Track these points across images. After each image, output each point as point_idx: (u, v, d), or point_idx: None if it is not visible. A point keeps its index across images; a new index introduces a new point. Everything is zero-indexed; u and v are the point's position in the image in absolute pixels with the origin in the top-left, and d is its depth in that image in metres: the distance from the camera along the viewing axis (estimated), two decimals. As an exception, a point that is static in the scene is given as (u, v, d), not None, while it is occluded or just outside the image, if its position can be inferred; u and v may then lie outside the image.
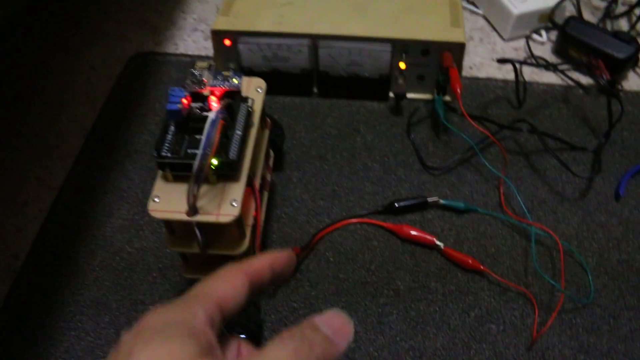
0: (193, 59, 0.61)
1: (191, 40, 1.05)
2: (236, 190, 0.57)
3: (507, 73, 0.98)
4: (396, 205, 0.79)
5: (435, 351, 0.69)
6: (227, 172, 0.57)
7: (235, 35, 0.86)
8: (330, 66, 0.88)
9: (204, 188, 0.57)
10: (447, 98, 0.91)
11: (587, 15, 1.04)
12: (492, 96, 0.94)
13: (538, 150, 0.86)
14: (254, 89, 0.66)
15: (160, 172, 0.58)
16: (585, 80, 0.96)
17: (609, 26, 1.03)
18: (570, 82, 0.96)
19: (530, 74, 0.97)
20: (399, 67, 0.88)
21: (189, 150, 0.56)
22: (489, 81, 0.96)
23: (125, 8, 1.11)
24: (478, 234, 0.78)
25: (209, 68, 0.59)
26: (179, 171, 0.57)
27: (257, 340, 0.67)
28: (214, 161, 0.55)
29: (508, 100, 0.93)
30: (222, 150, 0.56)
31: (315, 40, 0.86)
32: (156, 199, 0.57)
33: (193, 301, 0.36)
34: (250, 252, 0.65)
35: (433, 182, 0.83)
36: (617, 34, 0.93)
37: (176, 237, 0.62)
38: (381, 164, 0.85)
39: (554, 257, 0.76)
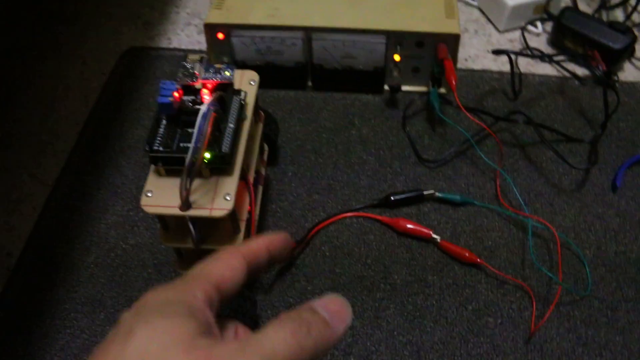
0: (186, 54, 0.61)
1: (184, 34, 1.04)
2: (230, 184, 0.57)
3: (502, 65, 0.97)
4: (392, 198, 0.79)
5: (432, 345, 0.69)
6: (220, 166, 0.57)
7: (228, 28, 0.86)
8: (324, 59, 0.88)
9: (197, 182, 0.56)
10: (443, 90, 0.90)
11: (583, 6, 1.03)
12: (487, 88, 0.93)
13: (534, 142, 0.86)
14: (246, 81, 0.66)
15: (152, 167, 0.58)
16: (581, 71, 0.96)
17: (604, 17, 1.03)
18: (566, 74, 0.95)
19: (525, 65, 0.97)
20: (393, 59, 0.88)
21: (181, 144, 0.56)
22: (484, 73, 0.96)
23: (118, 2, 1.10)
24: (475, 227, 0.78)
25: (201, 61, 0.59)
26: (172, 165, 0.56)
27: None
28: (207, 155, 0.55)
29: (504, 92, 0.92)
30: (214, 144, 0.55)
31: (309, 32, 0.85)
32: (149, 194, 0.56)
33: (192, 282, 0.36)
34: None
35: (429, 174, 0.83)
36: (613, 25, 0.93)
37: (170, 232, 0.61)
38: (376, 157, 0.85)
39: (551, 250, 0.76)
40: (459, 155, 0.85)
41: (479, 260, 0.74)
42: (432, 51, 0.87)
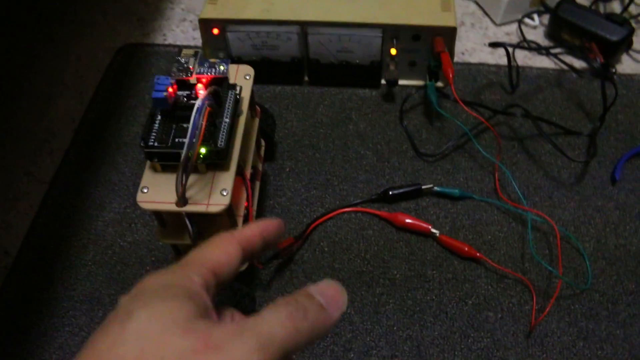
0: (181, 49, 0.60)
1: (179, 30, 1.04)
2: (226, 180, 0.56)
3: (499, 58, 0.97)
4: (390, 193, 0.79)
5: (432, 340, 0.69)
6: (216, 161, 0.56)
7: (223, 23, 0.85)
8: (320, 53, 0.87)
9: (193, 178, 0.56)
10: (440, 84, 0.90)
11: (580, -2, 1.03)
12: (484, 81, 0.93)
13: (532, 135, 0.86)
14: (242, 76, 0.65)
15: (148, 163, 0.57)
16: (578, 64, 0.96)
17: (601, 9, 1.02)
18: (563, 66, 0.95)
19: (523, 58, 0.97)
20: (390, 53, 0.87)
21: (176, 140, 0.56)
22: (481, 66, 0.95)
23: None
24: (474, 221, 0.78)
25: (195, 55, 0.59)
26: (167, 161, 0.56)
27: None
28: (202, 150, 0.54)
29: (501, 86, 0.92)
30: (210, 139, 0.55)
31: (304, 27, 0.85)
32: (145, 190, 0.56)
33: (189, 266, 0.37)
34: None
35: (427, 169, 0.83)
36: (610, 16, 0.93)
37: (167, 229, 0.61)
38: (374, 151, 0.85)
39: (551, 243, 0.75)
40: (457, 149, 0.85)
41: (478, 254, 0.73)
42: (429, 44, 0.86)
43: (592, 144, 0.83)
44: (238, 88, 0.61)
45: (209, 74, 0.58)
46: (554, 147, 0.81)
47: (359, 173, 0.82)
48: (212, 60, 0.60)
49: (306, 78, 0.93)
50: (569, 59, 0.96)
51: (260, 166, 0.74)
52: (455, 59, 0.93)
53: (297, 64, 0.90)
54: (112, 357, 0.31)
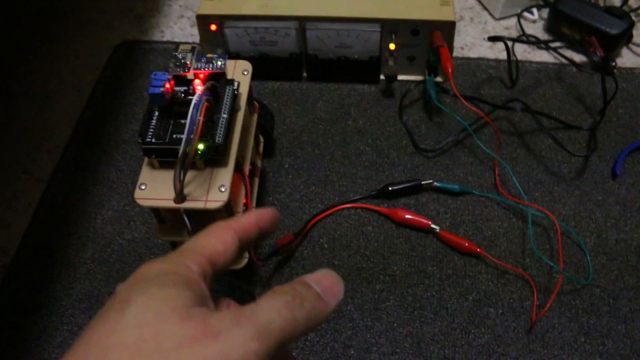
0: (178, 44, 0.60)
1: (177, 27, 1.03)
2: (224, 176, 0.56)
3: (499, 53, 0.96)
4: (390, 189, 0.78)
5: (433, 336, 0.68)
6: (215, 157, 0.56)
7: (221, 19, 0.85)
8: (318, 49, 0.87)
9: (191, 174, 0.56)
10: (439, 79, 0.90)
11: (579, -8, 1.03)
12: (484, 76, 0.93)
13: (532, 129, 0.85)
14: (239, 71, 0.65)
15: (146, 159, 0.57)
16: (578, 57, 0.95)
17: (601, 2, 1.01)
18: (563, 60, 0.95)
19: (522, 52, 0.96)
20: (388, 48, 0.87)
21: (174, 136, 0.55)
22: (480, 61, 0.95)
23: (110, -4, 1.10)
24: (474, 217, 0.77)
25: (192, 51, 0.58)
26: (165, 157, 0.56)
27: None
28: (200, 146, 0.54)
29: (501, 80, 0.92)
30: (208, 135, 0.55)
31: (302, 22, 0.85)
32: (143, 187, 0.56)
33: (186, 255, 0.37)
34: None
35: (427, 164, 0.82)
36: (610, 10, 0.92)
37: (166, 226, 0.61)
38: (373, 147, 0.84)
39: (552, 238, 0.75)
40: (456, 144, 0.84)
41: (478, 250, 0.73)
42: (428, 39, 0.86)
43: (592, 138, 0.83)
44: (236, 83, 0.61)
45: (206, 69, 0.58)
46: (554, 142, 0.81)
47: (358, 169, 0.82)
48: (209, 55, 0.59)
49: (305, 74, 0.92)
50: (569, 53, 0.96)
51: (259, 162, 0.74)
52: (455, 54, 0.93)
53: (295, 59, 0.89)
54: (110, 344, 0.31)
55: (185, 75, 0.57)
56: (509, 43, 0.88)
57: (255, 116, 0.71)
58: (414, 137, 0.85)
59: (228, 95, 0.59)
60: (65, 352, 0.31)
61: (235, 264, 0.64)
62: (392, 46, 0.86)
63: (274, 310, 0.34)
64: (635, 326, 0.68)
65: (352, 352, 0.67)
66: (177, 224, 0.59)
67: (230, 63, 0.65)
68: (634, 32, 0.94)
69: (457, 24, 0.84)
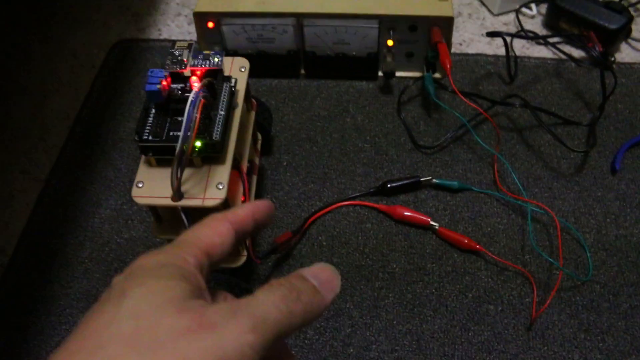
0: (175, 42, 0.60)
1: (175, 25, 1.03)
2: (222, 173, 0.56)
3: (497, 49, 0.96)
4: (389, 185, 0.78)
5: (433, 334, 0.68)
6: (212, 154, 0.56)
7: (218, 16, 0.85)
8: (316, 46, 0.87)
9: (189, 172, 0.56)
10: (437, 75, 0.90)
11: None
12: (482, 72, 0.92)
13: (531, 125, 0.85)
14: (237, 68, 0.65)
15: (143, 157, 0.57)
16: (577, 53, 0.95)
17: (599, -3, 1.02)
18: (562, 56, 0.94)
19: (521, 48, 0.96)
20: (386, 44, 0.87)
21: (171, 133, 0.55)
22: (479, 57, 0.95)
23: (107, -6, 1.10)
24: (473, 213, 0.77)
25: (189, 48, 0.58)
26: (162, 155, 0.56)
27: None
28: (197, 143, 0.54)
29: (499, 76, 0.91)
30: (205, 132, 0.54)
31: (300, 19, 0.84)
32: (140, 185, 0.56)
33: (182, 247, 0.37)
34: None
35: (425, 161, 0.82)
36: (609, 4, 0.92)
37: (163, 224, 0.61)
38: (372, 144, 0.84)
39: (551, 235, 0.75)
40: (455, 140, 0.84)
41: (478, 247, 0.73)
42: (426, 35, 0.86)
43: (591, 133, 0.83)
44: (233, 80, 0.60)
45: (203, 66, 0.58)
46: (553, 138, 0.80)
47: (356, 166, 0.82)
48: (206, 52, 0.59)
49: (302, 71, 0.92)
50: (568, 49, 0.95)
51: (257, 160, 0.73)
52: (453, 50, 0.93)
53: (293, 56, 0.89)
54: (106, 336, 0.31)
55: (182, 72, 0.57)
56: (508, 39, 0.88)
57: (253, 113, 0.71)
58: (413, 133, 0.84)
59: (225, 92, 0.58)
60: (61, 343, 0.31)
61: (233, 262, 0.64)
62: (390, 42, 0.86)
63: (270, 303, 0.34)
64: (636, 322, 0.68)
65: (352, 350, 0.67)
66: (175, 222, 0.59)
67: (228, 60, 0.65)
68: (633, 26, 0.94)
69: (455, 20, 0.84)
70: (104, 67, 0.96)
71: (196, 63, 0.58)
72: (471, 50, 0.97)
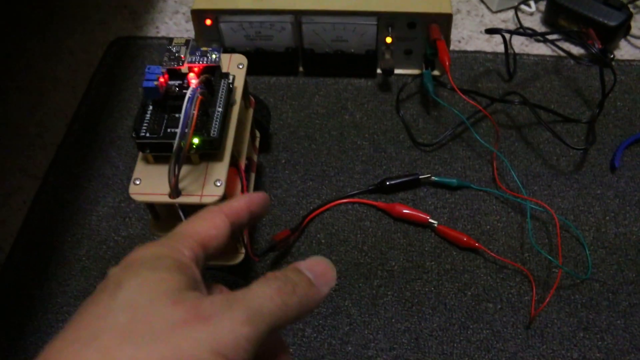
0: (172, 38, 0.60)
1: (172, 23, 1.03)
2: (220, 170, 0.56)
3: (496, 46, 0.96)
4: (387, 183, 0.78)
5: (431, 332, 0.68)
6: (210, 151, 0.56)
7: (216, 14, 0.84)
8: (315, 43, 0.87)
9: (186, 169, 0.55)
10: (436, 72, 0.89)
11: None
12: (481, 69, 0.92)
13: (531, 123, 0.85)
14: (235, 65, 0.65)
15: (140, 154, 0.57)
16: (576, 50, 0.95)
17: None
18: (561, 53, 0.94)
19: (520, 45, 0.96)
20: (385, 41, 0.86)
21: (169, 130, 0.55)
22: (478, 54, 0.94)
23: (104, -8, 1.09)
24: (472, 211, 0.77)
25: (187, 44, 0.58)
26: (160, 152, 0.55)
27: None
28: (195, 140, 0.54)
29: (498, 73, 0.91)
30: (203, 128, 0.54)
31: (298, 16, 0.84)
32: (137, 182, 0.55)
33: (178, 239, 0.37)
34: (238, 237, 0.63)
35: (424, 158, 0.82)
36: (608, 1, 0.92)
37: (161, 221, 0.61)
38: (371, 142, 0.84)
39: (551, 232, 0.75)
40: (454, 138, 0.84)
41: (477, 244, 0.73)
42: (425, 32, 0.85)
43: (590, 131, 0.83)
44: (231, 77, 0.60)
45: (200, 62, 0.57)
46: (552, 135, 0.80)
47: (355, 164, 0.82)
48: (203, 48, 0.59)
49: (301, 68, 0.92)
50: (567, 46, 0.95)
51: (255, 157, 0.73)
52: (452, 47, 0.92)
53: (291, 54, 0.89)
54: (101, 326, 0.31)
55: (180, 69, 0.57)
56: (507, 35, 0.88)
57: (251, 111, 0.70)
58: (412, 131, 0.84)
59: (223, 89, 0.58)
60: (57, 333, 0.31)
61: (231, 260, 0.63)
62: (388, 39, 0.86)
63: (265, 295, 0.34)
64: (635, 321, 0.68)
65: (350, 348, 0.67)
66: (173, 220, 0.59)
67: (225, 57, 0.65)
68: (632, 23, 0.94)
69: (454, 17, 0.84)
70: (102, 65, 0.96)
71: (194, 59, 0.58)
72: (470, 47, 0.97)
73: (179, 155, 0.50)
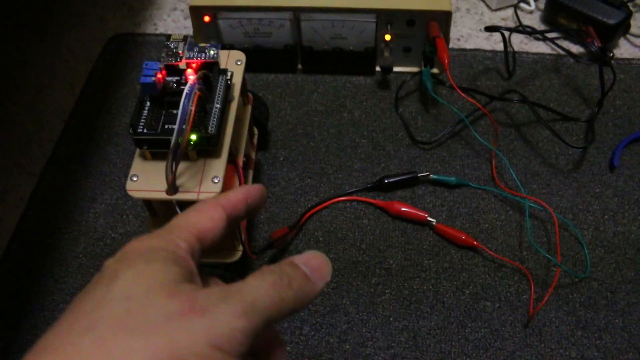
0: (170, 35, 0.60)
1: (171, 19, 1.02)
2: (217, 167, 0.56)
3: (495, 44, 0.96)
4: (386, 181, 0.78)
5: (429, 330, 0.68)
6: (207, 147, 0.55)
7: (214, 10, 0.84)
8: (313, 40, 0.86)
9: (184, 165, 0.55)
10: (435, 70, 0.89)
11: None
12: (480, 67, 0.92)
13: (530, 121, 0.85)
14: (233, 61, 0.64)
15: (137, 151, 0.56)
16: (575, 48, 0.95)
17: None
18: (560, 51, 0.94)
19: (519, 44, 0.96)
20: (384, 39, 0.86)
21: (166, 126, 0.55)
22: (477, 52, 0.94)
23: (102, -11, 1.09)
24: (471, 209, 0.77)
25: (185, 40, 0.58)
26: (157, 148, 0.55)
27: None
28: (193, 136, 0.53)
29: (497, 71, 0.91)
30: (200, 125, 0.54)
31: (297, 13, 0.84)
32: (134, 178, 0.55)
33: (174, 231, 0.37)
34: (235, 234, 0.63)
35: (423, 156, 0.82)
36: (607, -1, 0.92)
37: (158, 218, 0.61)
38: (369, 139, 0.83)
39: (549, 231, 0.74)
40: (453, 136, 0.84)
41: (475, 243, 0.73)
42: (424, 30, 0.85)
43: (590, 129, 0.82)
44: (229, 73, 0.60)
45: (198, 58, 0.57)
46: (551, 133, 0.80)
47: (354, 161, 0.81)
48: (201, 44, 0.59)
49: (299, 66, 0.92)
50: (566, 44, 0.95)
51: (253, 155, 0.73)
52: (451, 45, 0.92)
53: (290, 51, 0.88)
54: (97, 317, 0.31)
55: (177, 65, 0.56)
56: (506, 33, 0.87)
57: (249, 107, 0.70)
58: (410, 129, 0.84)
59: (221, 85, 0.58)
60: (53, 324, 0.31)
61: (229, 257, 0.63)
62: (387, 37, 0.86)
63: (261, 289, 0.34)
64: (633, 320, 0.68)
65: (348, 346, 0.67)
66: (170, 217, 0.58)
67: (224, 53, 0.64)
68: (632, 22, 0.94)
69: (453, 15, 0.84)
70: (100, 62, 0.95)
71: (192, 55, 0.57)
72: (469, 45, 0.96)
73: (176, 151, 0.50)
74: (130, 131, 0.54)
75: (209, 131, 0.54)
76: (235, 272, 0.67)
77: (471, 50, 0.95)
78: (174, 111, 0.54)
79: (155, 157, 0.56)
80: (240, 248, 0.64)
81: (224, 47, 0.84)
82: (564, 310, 0.69)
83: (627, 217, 0.76)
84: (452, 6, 0.83)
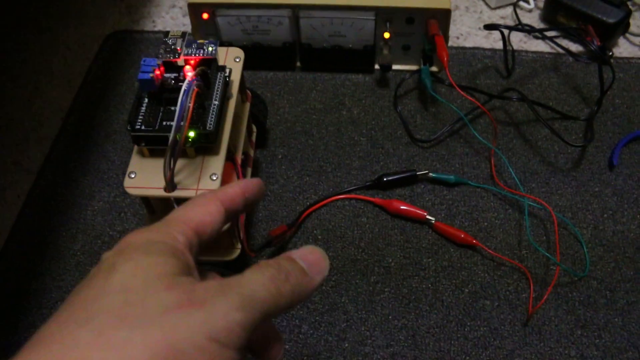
0: (168, 32, 0.59)
1: (169, 17, 1.02)
2: (216, 164, 0.55)
3: (494, 42, 0.96)
4: (385, 179, 0.78)
5: (428, 329, 0.68)
6: (205, 144, 0.55)
7: (212, 7, 0.84)
8: (312, 38, 0.86)
9: (182, 162, 0.55)
10: (434, 68, 0.89)
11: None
12: (480, 66, 0.92)
13: (529, 120, 0.85)
14: (231, 58, 0.64)
15: (135, 148, 0.56)
16: (575, 47, 0.94)
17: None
18: (559, 50, 0.94)
19: (518, 42, 0.96)
20: (383, 37, 0.86)
21: (164, 123, 0.54)
22: (476, 50, 0.94)
23: (100, -14, 1.09)
24: (470, 208, 0.77)
25: (183, 37, 0.57)
26: (155, 145, 0.55)
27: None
28: (191, 133, 0.53)
29: (497, 70, 0.91)
30: (198, 122, 0.54)
31: (296, 10, 0.84)
32: (132, 175, 0.55)
33: (172, 225, 0.37)
34: (234, 232, 0.63)
35: (422, 155, 0.81)
36: (607, -2, 0.92)
37: (156, 216, 0.61)
38: (368, 137, 0.83)
39: (548, 230, 0.74)
40: (452, 134, 0.84)
41: (474, 241, 0.72)
42: (423, 28, 0.85)
43: (589, 128, 0.82)
44: (227, 70, 0.60)
45: (197, 55, 0.57)
46: (550, 132, 0.80)
47: (352, 159, 0.81)
48: (200, 41, 0.58)
49: (298, 63, 0.92)
50: (565, 43, 0.95)
51: (251, 152, 0.73)
52: (450, 44, 0.92)
53: (288, 48, 0.88)
54: (95, 309, 0.31)
55: (176, 62, 0.56)
56: (505, 32, 0.87)
57: (248, 105, 0.70)
58: (409, 127, 0.84)
59: (219, 82, 0.58)
60: (50, 316, 0.31)
61: (227, 255, 0.63)
62: (386, 35, 0.85)
63: (259, 282, 0.35)
64: (632, 319, 0.68)
65: (347, 344, 0.67)
66: (168, 214, 0.58)
67: (222, 50, 0.64)
68: (631, 21, 0.93)
69: (452, 13, 0.84)
70: (98, 59, 0.95)
71: (190, 52, 0.57)
72: (468, 43, 0.96)
73: (174, 148, 0.50)
74: (128, 128, 0.54)
75: (207, 128, 0.54)
76: (233, 270, 0.67)
77: (470, 48, 0.95)
78: (172, 108, 0.54)
79: (153, 154, 0.56)
80: (239, 246, 0.64)
81: (222, 45, 0.84)
82: (563, 309, 0.69)
83: (626, 215, 0.76)
84: (451, 4, 0.83)
